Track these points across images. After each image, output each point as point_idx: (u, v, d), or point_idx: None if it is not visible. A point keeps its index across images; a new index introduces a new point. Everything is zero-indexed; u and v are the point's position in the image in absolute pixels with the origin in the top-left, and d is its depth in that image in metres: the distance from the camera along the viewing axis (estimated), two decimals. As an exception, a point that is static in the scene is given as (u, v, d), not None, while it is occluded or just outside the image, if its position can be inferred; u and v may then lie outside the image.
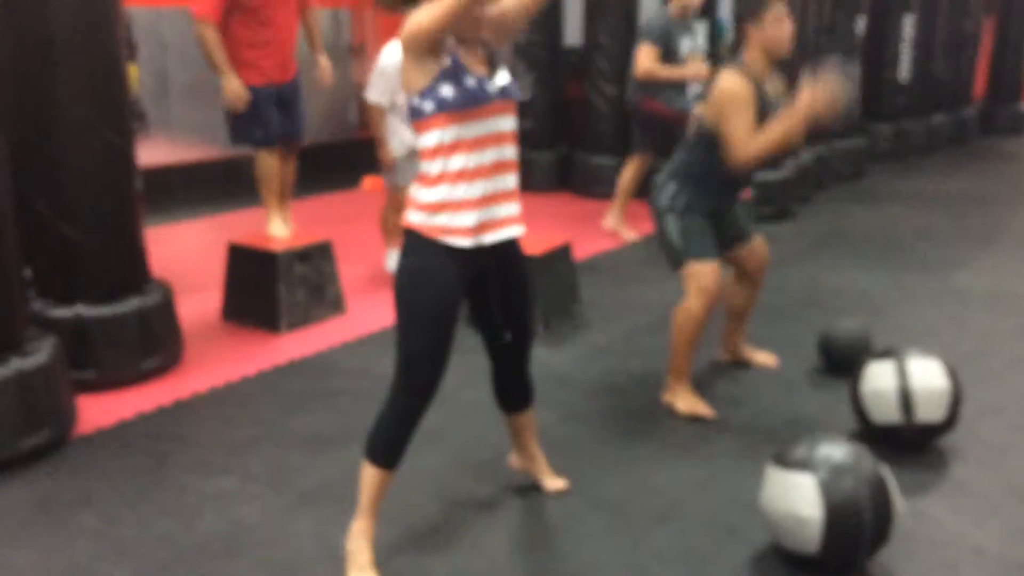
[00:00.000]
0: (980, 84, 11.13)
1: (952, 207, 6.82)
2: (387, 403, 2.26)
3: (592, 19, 6.92)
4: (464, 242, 2.18)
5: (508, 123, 2.24)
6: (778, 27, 3.06)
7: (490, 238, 2.22)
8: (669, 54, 5.13)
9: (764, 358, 3.67)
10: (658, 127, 5.33)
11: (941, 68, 9.66)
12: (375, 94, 4.39)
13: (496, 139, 2.20)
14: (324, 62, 4.53)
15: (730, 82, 3.02)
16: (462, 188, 2.16)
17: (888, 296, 4.60)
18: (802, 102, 2.87)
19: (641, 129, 5.53)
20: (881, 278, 4.90)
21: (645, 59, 5.09)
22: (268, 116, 4.32)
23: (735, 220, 3.36)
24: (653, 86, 5.19)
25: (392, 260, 4.73)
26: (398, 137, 4.47)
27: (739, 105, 2.99)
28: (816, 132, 3.06)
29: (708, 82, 3.17)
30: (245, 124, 4.31)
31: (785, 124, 2.91)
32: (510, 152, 2.25)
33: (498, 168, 2.21)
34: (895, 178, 8.01)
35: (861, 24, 7.98)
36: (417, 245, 2.20)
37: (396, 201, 4.56)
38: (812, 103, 2.86)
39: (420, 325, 2.20)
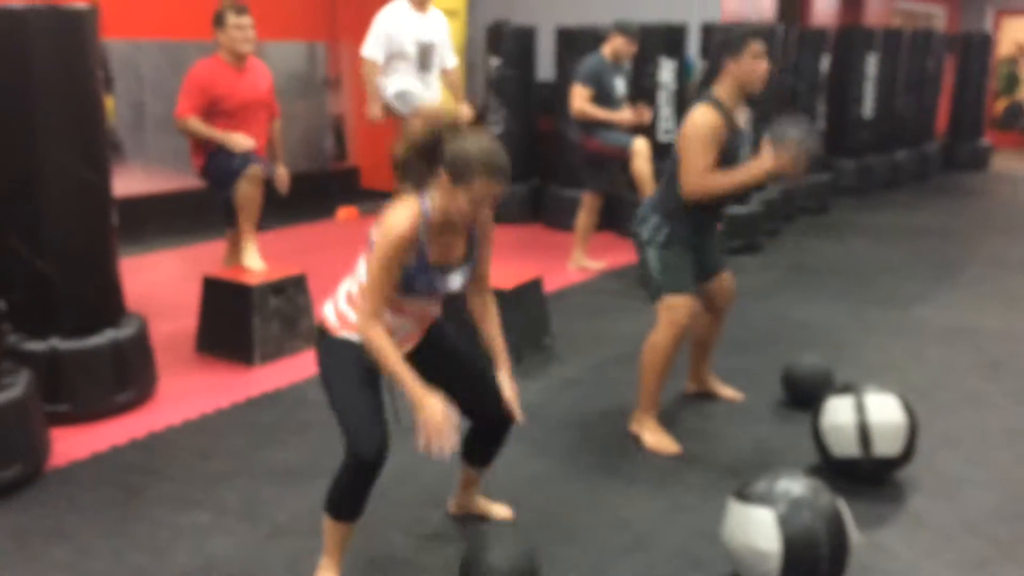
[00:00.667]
0: (942, 121, 11.45)
1: (913, 241, 7.01)
2: (342, 464, 2.32)
3: (563, 55, 7.08)
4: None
5: (438, 305, 2.46)
6: (755, 63, 3.18)
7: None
8: (603, 95, 5.40)
9: (731, 393, 3.76)
10: (600, 164, 5.62)
11: (904, 105, 9.94)
12: (369, 50, 4.62)
13: (420, 312, 2.41)
14: (282, 171, 4.71)
15: (702, 117, 3.15)
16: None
17: (850, 330, 4.73)
18: (767, 162, 3.06)
19: (586, 168, 5.77)
20: (843, 312, 5.03)
21: (578, 99, 5.37)
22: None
23: (711, 252, 3.46)
24: (590, 125, 5.45)
25: None
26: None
27: (704, 141, 3.12)
28: (787, 181, 3.22)
29: (682, 114, 3.31)
30: (224, 162, 4.39)
31: (745, 176, 3.11)
32: (433, 312, 2.46)
33: (411, 327, 2.42)
34: (859, 212, 8.21)
35: (825, 62, 8.22)
36: (331, 342, 2.37)
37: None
38: (776, 164, 3.05)
39: (344, 392, 2.31)
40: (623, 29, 5.39)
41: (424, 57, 4.89)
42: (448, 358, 2.49)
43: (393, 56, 4.76)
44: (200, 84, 4.35)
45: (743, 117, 3.33)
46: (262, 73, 4.60)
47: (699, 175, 3.12)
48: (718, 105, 3.17)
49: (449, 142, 2.22)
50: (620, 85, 5.50)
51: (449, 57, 5.12)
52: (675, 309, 3.24)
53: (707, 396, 3.76)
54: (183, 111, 4.36)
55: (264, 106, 4.59)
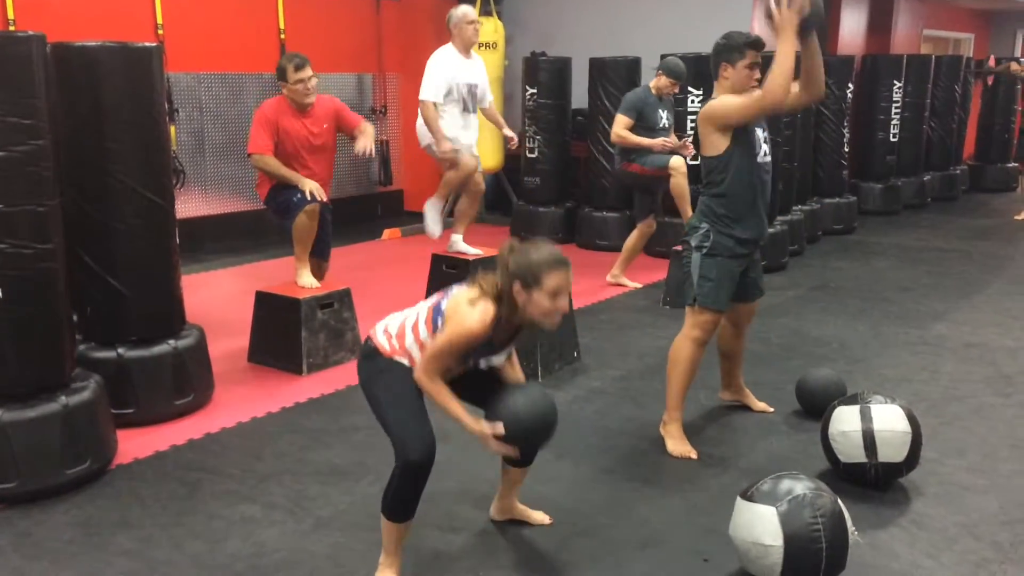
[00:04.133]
0: (969, 145, 11.50)
1: (937, 261, 7.10)
2: (394, 470, 2.51)
3: (596, 84, 7.35)
4: None
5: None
6: (748, 73, 3.34)
7: None
8: (647, 125, 5.69)
9: (763, 406, 3.91)
10: (641, 188, 5.93)
11: (931, 130, 10.05)
12: (430, 93, 4.95)
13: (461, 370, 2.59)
14: (365, 141, 4.69)
15: (709, 104, 3.36)
16: None
17: (868, 345, 4.88)
18: (778, 18, 3.10)
19: (631, 192, 6.12)
20: (863, 328, 5.17)
21: (617, 126, 5.70)
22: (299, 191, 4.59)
23: (757, 277, 3.61)
24: (629, 151, 5.74)
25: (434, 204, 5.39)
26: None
27: (726, 103, 3.29)
28: (805, 30, 3.15)
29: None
30: (288, 199, 4.53)
31: (779, 48, 3.12)
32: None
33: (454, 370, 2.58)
34: (884, 233, 8.31)
35: (851, 89, 8.39)
36: (382, 362, 2.55)
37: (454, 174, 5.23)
38: (785, 12, 3.09)
39: (392, 403, 2.52)
40: (670, 71, 5.67)
41: (470, 99, 5.21)
42: (483, 375, 2.66)
43: (445, 98, 5.09)
44: (269, 119, 4.46)
45: None
46: (324, 111, 4.63)
47: (765, 90, 3.18)
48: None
49: (513, 260, 2.41)
50: (664, 116, 5.78)
51: (488, 97, 5.45)
52: (702, 323, 3.43)
53: (733, 406, 3.93)
54: (259, 148, 4.46)
55: (325, 147, 4.66)
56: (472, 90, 5.22)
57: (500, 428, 2.42)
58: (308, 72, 4.49)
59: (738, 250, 3.43)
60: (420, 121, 5.20)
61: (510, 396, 2.49)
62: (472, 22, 5.20)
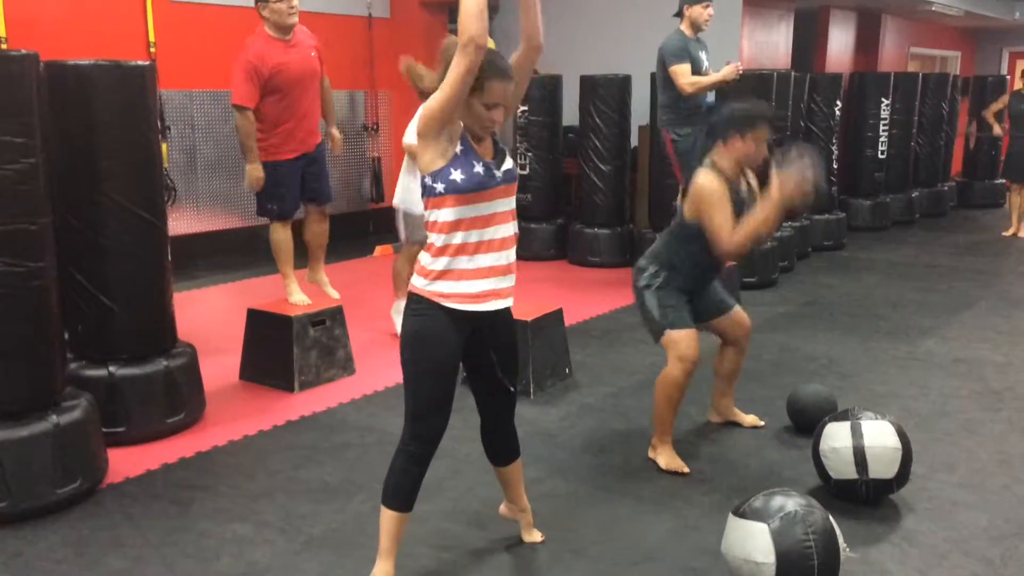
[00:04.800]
0: (957, 162, 11.61)
1: (926, 277, 7.15)
2: (398, 451, 2.54)
3: (587, 102, 7.40)
4: (461, 307, 2.47)
5: (508, 204, 2.53)
6: (758, 146, 3.38)
7: (484, 307, 2.50)
8: (694, 70, 5.41)
9: (752, 419, 3.94)
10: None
11: (919, 146, 10.16)
12: (412, 137, 4.91)
13: (497, 218, 2.46)
14: (336, 133, 4.88)
15: (705, 180, 3.35)
16: (463, 261, 2.44)
17: (857, 361, 4.90)
18: (775, 191, 3.14)
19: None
20: (852, 345, 5.21)
21: (682, 76, 5.33)
22: (284, 192, 4.69)
23: (713, 295, 3.67)
24: (676, 119, 5.46)
25: (399, 308, 5.11)
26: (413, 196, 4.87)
27: (717, 200, 3.29)
28: (793, 214, 3.32)
29: (687, 180, 3.52)
30: (265, 200, 4.72)
31: (763, 213, 3.18)
32: (509, 230, 2.53)
33: (496, 245, 2.48)
34: (873, 250, 8.37)
35: (840, 107, 8.47)
36: (419, 308, 2.47)
37: (410, 254, 4.93)
38: (785, 191, 3.12)
39: (424, 379, 2.49)
40: None
41: None
42: (497, 351, 2.62)
43: None
44: (254, 64, 4.34)
45: (748, 182, 3.53)
46: (308, 42, 4.59)
47: (729, 233, 3.24)
48: (719, 172, 3.36)
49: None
50: (704, 58, 5.48)
51: None
52: (678, 343, 3.44)
53: (724, 422, 3.94)
54: (243, 99, 4.36)
55: (315, 75, 4.59)
56: None
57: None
58: None
59: (687, 287, 3.52)
60: (402, 178, 4.96)
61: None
62: None
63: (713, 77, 5.41)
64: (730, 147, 3.39)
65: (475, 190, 2.41)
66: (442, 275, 2.45)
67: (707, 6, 5.43)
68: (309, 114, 4.65)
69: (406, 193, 4.95)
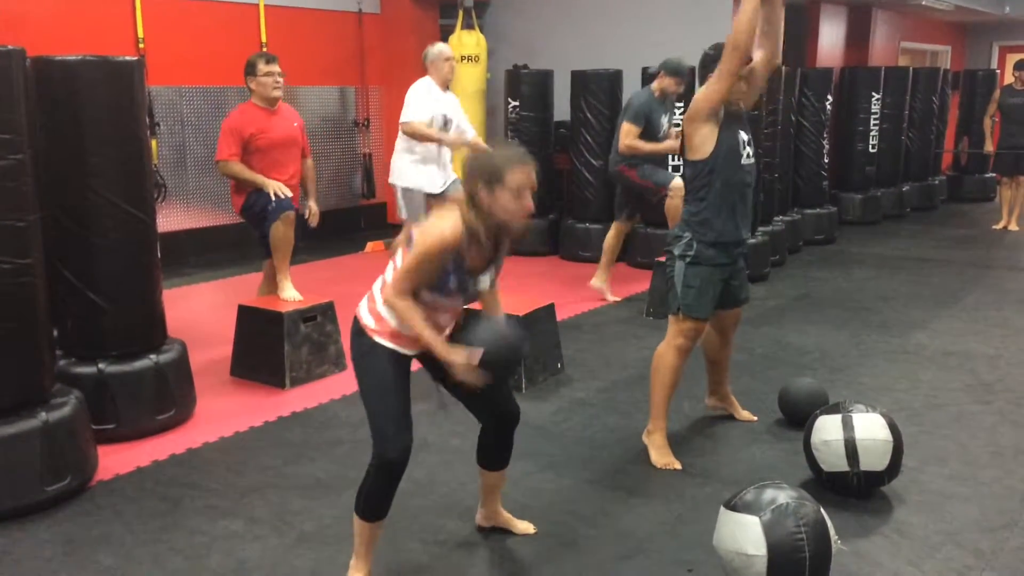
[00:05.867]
0: (947, 157, 11.64)
1: (916, 271, 7.17)
2: (369, 466, 2.52)
3: (578, 97, 7.39)
4: (404, 351, 2.53)
5: (460, 306, 2.60)
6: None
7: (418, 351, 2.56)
8: (650, 132, 5.60)
9: (747, 415, 3.94)
10: (637, 196, 5.85)
11: (910, 140, 10.18)
12: (413, 114, 5.06)
13: (452, 311, 2.58)
14: (313, 206, 4.94)
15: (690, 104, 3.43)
16: (404, 327, 2.47)
17: (849, 354, 4.92)
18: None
19: (622, 194, 5.97)
20: (844, 338, 5.22)
21: (627, 136, 5.57)
22: (269, 196, 4.63)
23: (741, 284, 3.63)
24: (633, 159, 5.65)
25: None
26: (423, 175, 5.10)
27: (701, 91, 3.38)
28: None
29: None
30: (263, 207, 4.61)
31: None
32: (449, 320, 2.60)
33: (444, 322, 2.56)
34: (864, 244, 8.39)
35: (831, 101, 8.49)
36: (367, 343, 2.52)
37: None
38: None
39: (370, 395, 2.51)
40: (673, 71, 5.58)
41: (447, 131, 5.24)
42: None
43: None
44: (235, 128, 4.58)
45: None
46: (292, 115, 4.86)
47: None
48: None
49: (475, 166, 2.43)
50: (665, 121, 5.70)
51: (469, 130, 5.49)
52: (686, 331, 3.45)
53: (717, 416, 3.95)
54: (223, 156, 4.59)
55: (295, 144, 4.80)
56: (447, 123, 5.26)
57: (476, 356, 2.37)
58: (277, 68, 4.66)
59: (719, 259, 3.45)
60: (396, 158, 5.28)
61: (487, 322, 2.50)
62: (448, 59, 5.26)
63: (652, 147, 5.61)
64: (709, 82, 3.42)
65: (439, 299, 2.49)
66: (389, 328, 2.50)
67: (680, 84, 5.65)
68: (291, 181, 4.74)
69: (400, 171, 5.18)
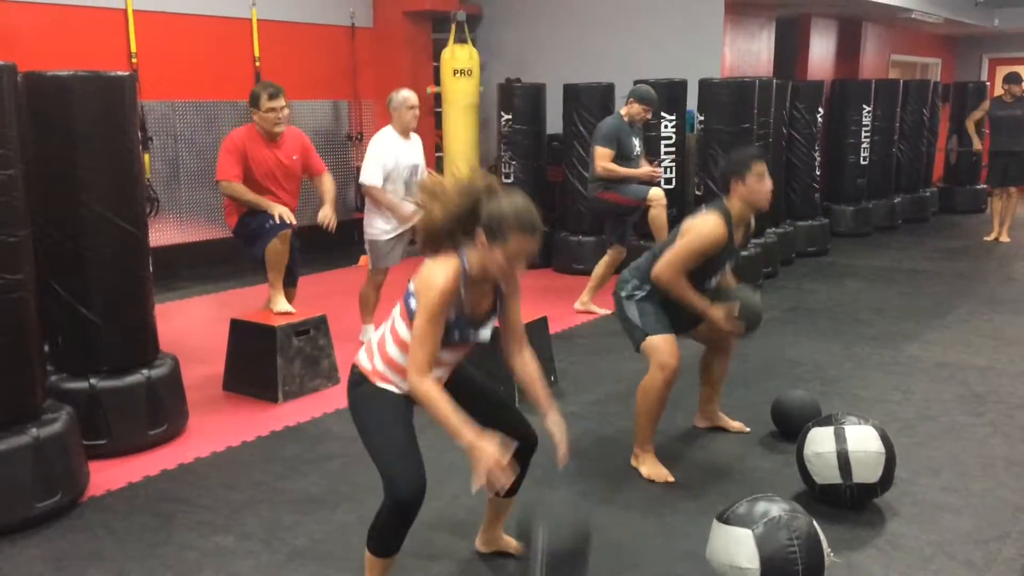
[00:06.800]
0: (939, 167, 11.70)
1: (908, 282, 7.20)
2: (382, 505, 2.43)
3: (570, 110, 7.43)
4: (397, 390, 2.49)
5: (462, 355, 2.56)
6: (759, 183, 3.43)
7: None
8: (622, 154, 5.74)
9: (738, 426, 3.95)
10: (615, 216, 5.95)
11: (901, 152, 10.24)
12: (370, 176, 4.92)
13: (454, 361, 2.53)
14: (329, 210, 4.85)
15: (706, 224, 3.41)
16: (400, 379, 2.43)
17: (841, 366, 4.93)
18: (716, 313, 3.41)
19: (602, 221, 6.12)
20: (836, 350, 5.23)
21: (601, 159, 5.72)
22: (265, 216, 4.61)
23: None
24: (607, 180, 5.77)
25: (367, 334, 5.09)
26: (381, 221, 5.04)
27: (698, 244, 3.38)
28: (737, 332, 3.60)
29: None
30: (259, 226, 4.58)
31: (698, 303, 3.43)
32: (445, 373, 2.53)
33: (444, 374, 2.51)
34: (856, 255, 8.41)
35: (821, 114, 8.54)
36: (369, 388, 2.47)
37: (376, 281, 5.15)
38: (716, 315, 3.41)
39: (376, 428, 2.45)
40: (641, 98, 5.74)
41: (412, 180, 5.18)
42: (473, 396, 2.60)
43: (386, 179, 5.07)
44: (237, 147, 4.55)
45: (746, 230, 3.62)
46: (294, 147, 4.75)
47: (674, 271, 3.39)
48: (728, 219, 3.42)
49: (485, 204, 2.35)
50: (636, 144, 5.85)
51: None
52: (659, 350, 3.44)
53: (710, 429, 3.95)
54: (226, 175, 4.55)
55: (291, 177, 4.75)
56: (414, 171, 5.17)
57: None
58: (281, 102, 4.60)
59: (666, 304, 3.52)
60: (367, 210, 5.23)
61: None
62: (412, 107, 5.12)
63: (629, 172, 5.74)
64: (735, 192, 3.45)
65: (446, 345, 2.42)
66: (389, 378, 2.46)
67: (647, 110, 5.81)
68: (286, 205, 4.69)
69: (370, 225, 5.17)
